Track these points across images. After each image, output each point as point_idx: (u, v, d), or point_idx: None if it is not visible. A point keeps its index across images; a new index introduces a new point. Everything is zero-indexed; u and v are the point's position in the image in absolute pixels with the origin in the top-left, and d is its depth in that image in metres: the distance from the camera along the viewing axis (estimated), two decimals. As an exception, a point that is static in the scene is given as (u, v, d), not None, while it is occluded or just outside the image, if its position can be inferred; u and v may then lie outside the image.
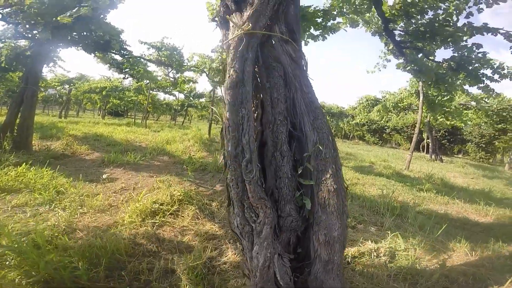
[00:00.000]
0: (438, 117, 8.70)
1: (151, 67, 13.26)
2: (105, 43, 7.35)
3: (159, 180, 4.33)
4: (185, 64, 11.54)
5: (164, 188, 3.91)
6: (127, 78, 11.67)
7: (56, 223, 2.74)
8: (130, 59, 10.55)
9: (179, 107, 24.84)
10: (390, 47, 5.04)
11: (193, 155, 6.46)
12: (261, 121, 1.87)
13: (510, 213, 5.03)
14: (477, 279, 2.71)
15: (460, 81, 5.22)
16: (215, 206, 3.68)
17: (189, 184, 4.44)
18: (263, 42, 1.95)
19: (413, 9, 3.88)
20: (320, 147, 1.69)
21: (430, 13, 3.89)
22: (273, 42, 2.01)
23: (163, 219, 3.12)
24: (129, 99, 22.71)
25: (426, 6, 3.75)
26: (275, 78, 1.91)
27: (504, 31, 3.50)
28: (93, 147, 6.70)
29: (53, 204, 3.22)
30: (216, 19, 2.23)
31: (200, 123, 39.76)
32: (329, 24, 5.01)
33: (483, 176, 10.45)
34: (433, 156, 15.08)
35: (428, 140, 17.06)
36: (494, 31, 3.54)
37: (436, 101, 8.36)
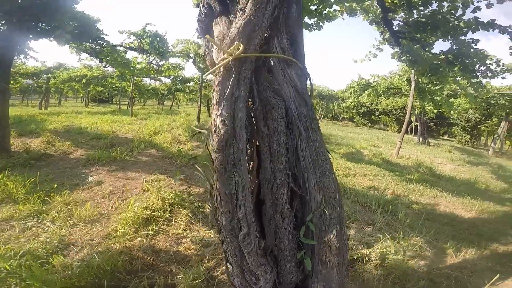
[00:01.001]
0: (426, 105, 8.71)
1: (134, 54, 12.68)
2: (79, 33, 6.90)
3: (148, 182, 4.21)
4: (170, 50, 11.05)
5: (154, 190, 3.79)
6: (108, 66, 11.14)
7: (48, 239, 2.63)
8: (106, 49, 9.95)
9: (166, 92, 24.17)
10: (386, 36, 4.88)
11: (182, 148, 6.27)
12: (257, 173, 1.60)
13: (493, 208, 5.18)
14: (459, 283, 2.78)
15: (453, 73, 5.16)
16: (209, 208, 3.61)
17: (180, 183, 4.32)
18: (258, 66, 1.56)
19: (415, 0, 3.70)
20: (326, 210, 1.48)
21: (435, 4, 3.72)
22: (272, 63, 1.61)
23: (157, 227, 3.03)
24: (113, 86, 21.89)
25: None
26: (275, 121, 1.53)
27: (511, 29, 3.38)
28: (76, 142, 6.41)
29: (41, 216, 3.07)
30: (197, 27, 1.84)
31: (189, 106, 39.02)
32: (325, 12, 4.74)
33: (468, 163, 10.70)
34: (420, 139, 15.32)
35: (416, 123, 17.26)
36: (502, 28, 3.42)
37: (426, 88, 8.33)
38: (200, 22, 1.79)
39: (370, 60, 6.48)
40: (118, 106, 18.77)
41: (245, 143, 1.42)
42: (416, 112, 13.87)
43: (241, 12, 1.49)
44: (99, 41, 9.94)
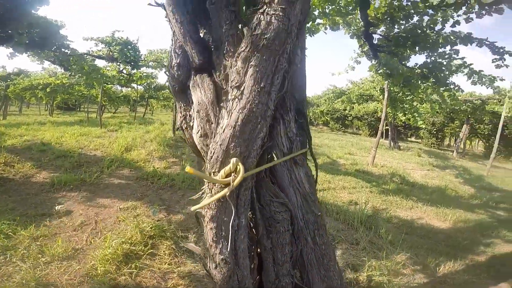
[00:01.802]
0: (399, 114, 9.09)
1: (103, 63, 12.08)
2: (40, 41, 6.40)
3: (123, 210, 3.92)
4: (142, 59, 10.63)
5: (131, 220, 3.52)
6: (74, 75, 10.46)
7: (23, 281, 2.35)
8: (71, 58, 9.31)
9: (138, 99, 23.29)
10: (365, 49, 4.98)
11: (157, 167, 5.96)
12: (259, 272, 1.44)
13: (464, 216, 5.43)
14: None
15: (425, 85, 5.40)
16: (193, 238, 3.41)
17: (159, 210, 4.06)
18: (259, 173, 1.30)
19: (399, 13, 3.78)
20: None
21: (416, 18, 3.81)
22: (275, 159, 1.32)
23: (139, 263, 2.80)
24: (80, 93, 20.64)
25: (413, 11, 3.65)
26: (280, 234, 1.33)
27: (489, 42, 3.54)
28: (39, 163, 5.88)
29: (8, 254, 2.73)
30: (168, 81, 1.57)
31: (163, 113, 37.94)
32: (308, 25, 4.73)
33: (437, 167, 11.28)
34: (391, 144, 16.00)
35: (387, 127, 18.00)
36: (479, 41, 3.57)
37: (397, 97, 8.68)
38: (171, 78, 1.47)
39: (348, 72, 6.63)
40: (86, 114, 17.65)
41: (249, 268, 1.24)
42: (388, 120, 14.47)
43: (235, 92, 1.16)
44: (63, 49, 9.33)
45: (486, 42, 3.67)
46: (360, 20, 3.52)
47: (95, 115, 22.19)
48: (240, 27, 1.33)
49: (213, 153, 1.17)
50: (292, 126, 1.37)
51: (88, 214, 3.85)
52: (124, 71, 12.45)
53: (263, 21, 1.17)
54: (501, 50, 3.70)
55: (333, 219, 4.41)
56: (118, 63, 10.64)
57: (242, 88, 1.16)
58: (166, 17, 1.45)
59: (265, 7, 1.19)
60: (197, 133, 1.35)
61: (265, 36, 1.15)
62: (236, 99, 1.16)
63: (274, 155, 1.32)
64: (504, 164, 17.11)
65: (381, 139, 20.48)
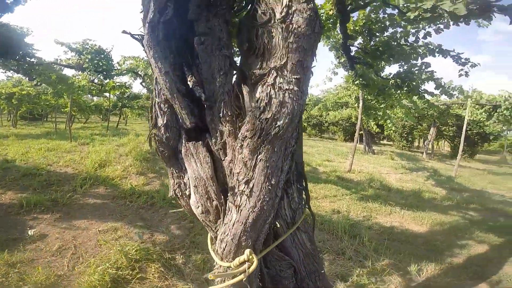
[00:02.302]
0: (371, 121, 9.46)
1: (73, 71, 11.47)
2: (1, 49, 5.99)
3: (103, 232, 3.69)
4: (116, 68, 10.22)
5: (113, 244, 3.33)
6: (40, 84, 9.83)
7: None
8: (38, 67, 8.72)
9: (111, 108, 22.31)
10: (342, 60, 5.13)
11: (135, 184, 5.70)
12: None
13: (439, 218, 5.70)
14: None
15: (398, 94, 5.68)
16: (181, 259, 3.27)
17: (141, 231, 3.86)
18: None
19: (376, 26, 3.92)
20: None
21: (390, 30, 3.97)
22: (277, 226, 1.26)
23: None
24: (47, 103, 19.37)
25: (388, 23, 3.79)
26: (284, 286, 1.29)
27: (455, 53, 3.77)
28: (3, 182, 5.42)
29: None
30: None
31: (138, 122, 36.62)
32: None
33: (409, 170, 11.82)
34: (366, 149, 16.60)
35: (361, 132, 18.67)
36: (446, 53, 3.78)
37: (371, 105, 9.03)
38: (159, 142, 1.27)
39: (325, 84, 6.81)
40: (54, 125, 16.55)
41: None
42: (363, 126, 15.03)
43: (243, 187, 1.07)
44: (28, 58, 8.79)
45: (452, 53, 3.93)
46: (339, 32, 3.63)
47: (63, 125, 20.86)
48: (237, 76, 1.19)
49: (225, 245, 1.12)
50: (295, 196, 1.31)
51: (65, 238, 3.59)
52: (96, 81, 11.90)
53: (274, 99, 1.01)
54: (464, 61, 4.01)
55: (318, 230, 4.45)
56: (88, 73, 10.16)
57: (251, 185, 1.07)
58: (146, 55, 1.23)
59: (275, 75, 1.04)
60: (197, 208, 1.26)
61: (278, 123, 1.01)
62: (245, 196, 1.08)
63: (278, 224, 1.27)
64: (469, 163, 18.29)
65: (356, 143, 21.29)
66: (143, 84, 10.45)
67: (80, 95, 14.63)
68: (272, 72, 1.07)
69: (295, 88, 1.04)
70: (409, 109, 11.62)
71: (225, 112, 1.17)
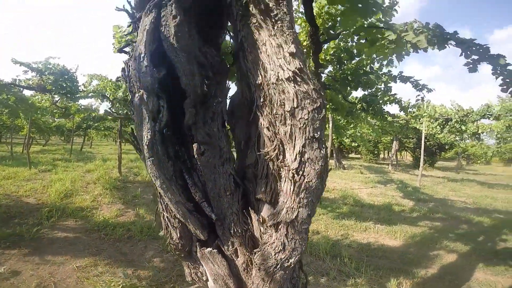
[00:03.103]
0: (344, 139, 9.93)
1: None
2: None
3: (81, 269, 3.41)
4: (81, 90, 9.66)
5: (96, 280, 3.09)
6: (-4, 107, 9.04)
7: None
8: None
9: (74, 128, 20.92)
10: None
11: (107, 216, 5.36)
12: None
13: (410, 231, 6.00)
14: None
15: (365, 116, 6.10)
16: None
17: (125, 269, 3.61)
18: None
19: (344, 55, 4.18)
20: None
21: (357, 58, 4.26)
22: None
23: None
24: (1, 123, 17.78)
25: (355, 51, 4.06)
26: None
27: (413, 80, 4.13)
28: (-48, 218, 4.85)
29: None
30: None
31: (103, 143, 34.86)
32: None
33: (378, 183, 12.42)
34: (337, 165, 17.24)
35: (332, 148, 19.41)
36: (406, 79, 4.14)
37: (341, 125, 9.51)
38: (175, 248, 1.31)
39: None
40: (10, 148, 15.12)
41: None
42: (334, 145, 15.67)
43: None
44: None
45: (411, 79, 4.33)
46: (312, 61, 3.84)
47: (20, 148, 19.21)
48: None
49: None
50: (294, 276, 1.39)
51: (41, 275, 3.29)
52: (59, 103, 11.21)
53: (288, 246, 1.13)
54: (421, 87, 4.46)
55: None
56: (51, 95, 9.50)
57: None
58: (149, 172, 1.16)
59: (286, 226, 1.14)
60: None
61: (290, 261, 1.17)
62: None
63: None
64: (430, 172, 19.65)
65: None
66: (112, 109, 9.94)
67: (41, 116, 13.65)
68: (284, 224, 1.16)
69: (305, 236, 1.19)
70: (373, 126, 12.38)
71: (235, 230, 1.24)
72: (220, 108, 1.22)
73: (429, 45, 2.45)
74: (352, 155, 31.50)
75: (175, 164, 1.18)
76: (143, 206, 5.96)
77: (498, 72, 1.92)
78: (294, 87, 1.06)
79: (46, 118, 19.29)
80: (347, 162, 21.79)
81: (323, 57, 4.19)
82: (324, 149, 1.12)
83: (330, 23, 3.20)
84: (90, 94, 10.53)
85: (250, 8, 1.14)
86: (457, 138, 16.04)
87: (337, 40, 4.18)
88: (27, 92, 10.53)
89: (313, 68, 4.43)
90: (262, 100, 1.16)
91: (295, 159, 1.08)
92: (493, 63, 1.91)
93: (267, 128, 1.15)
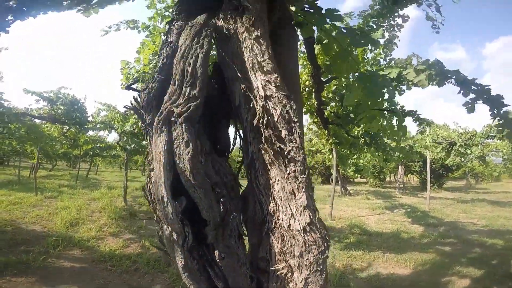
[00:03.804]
0: (347, 169, 9.93)
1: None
2: None
3: None
4: (90, 121, 9.91)
5: None
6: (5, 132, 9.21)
7: None
8: (6, 118, 8.22)
9: (81, 154, 21.09)
10: (315, 121, 5.53)
11: (113, 247, 5.32)
12: None
13: (420, 258, 5.83)
14: None
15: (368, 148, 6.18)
16: None
17: None
18: None
19: (347, 92, 4.34)
20: None
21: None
22: None
23: None
24: (10, 148, 18.02)
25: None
26: None
27: (415, 114, 4.24)
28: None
29: None
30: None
31: (109, 170, 34.96)
32: None
33: (385, 209, 12.20)
34: (343, 191, 17.06)
35: (336, 175, 19.33)
36: (408, 114, 4.25)
37: (345, 155, 9.54)
38: None
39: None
40: (18, 172, 15.25)
41: None
42: (340, 173, 15.66)
43: None
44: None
45: (413, 113, 4.44)
46: (315, 99, 4.00)
47: (27, 172, 19.37)
48: None
49: None
50: None
51: None
52: (68, 133, 11.42)
53: None
54: (421, 120, 4.59)
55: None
56: (62, 126, 9.74)
57: None
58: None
59: None
60: None
61: None
62: None
63: None
64: (439, 193, 19.22)
65: (330, 184, 21.84)
66: (120, 143, 10.08)
67: (50, 147, 13.85)
68: None
69: None
70: (377, 156, 12.42)
71: None
72: (236, 223, 1.32)
73: (430, 83, 2.56)
74: (358, 179, 31.08)
75: (199, 261, 1.28)
76: (149, 238, 5.92)
77: (495, 113, 1.99)
78: (304, 236, 1.17)
79: (55, 146, 19.58)
80: (353, 188, 21.50)
81: (325, 95, 4.35)
82: (324, 273, 1.22)
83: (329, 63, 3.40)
84: (98, 126, 10.76)
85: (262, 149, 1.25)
86: (463, 159, 15.95)
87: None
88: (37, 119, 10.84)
89: (316, 105, 4.59)
90: (273, 224, 1.27)
91: (301, 281, 1.20)
92: (491, 105, 1.98)
93: (278, 251, 1.26)
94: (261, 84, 1.21)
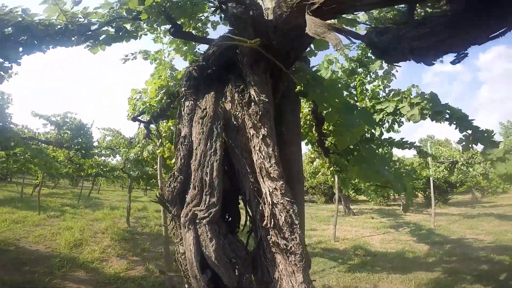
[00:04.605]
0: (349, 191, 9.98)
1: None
2: None
3: None
4: (96, 146, 9.99)
5: None
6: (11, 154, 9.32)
7: None
8: (13, 142, 8.31)
9: (84, 174, 21.16)
10: (317, 150, 5.69)
11: (118, 269, 5.33)
12: None
13: (425, 278, 5.75)
14: None
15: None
16: None
17: None
18: None
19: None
20: None
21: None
22: None
23: None
24: (15, 166, 18.09)
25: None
26: None
27: (417, 145, 4.33)
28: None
29: None
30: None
31: (111, 188, 34.88)
32: None
33: (390, 228, 12.06)
34: (346, 211, 16.96)
35: (339, 194, 19.28)
36: (410, 145, 4.32)
37: (346, 179, 9.63)
38: None
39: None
40: (21, 189, 15.11)
41: None
42: (342, 192, 15.70)
43: None
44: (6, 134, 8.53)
45: (415, 145, 4.55)
46: (315, 132, 4.13)
47: (30, 190, 19.28)
48: None
49: None
50: None
51: None
52: (73, 157, 11.47)
53: None
54: (425, 152, 4.68)
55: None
56: (69, 151, 9.81)
57: None
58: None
59: None
60: None
61: None
62: None
63: None
64: (445, 209, 18.82)
65: (333, 204, 21.66)
66: (124, 169, 10.19)
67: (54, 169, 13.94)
68: None
69: None
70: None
71: None
72: (248, 281, 1.51)
73: (422, 118, 2.68)
74: (362, 197, 30.71)
75: None
76: (153, 260, 5.92)
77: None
78: None
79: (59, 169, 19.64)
80: (357, 206, 21.27)
81: (325, 127, 4.49)
82: None
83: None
84: (103, 151, 10.85)
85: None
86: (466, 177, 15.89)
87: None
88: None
89: (316, 137, 4.73)
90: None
91: None
92: (486, 145, 2.08)
93: None
94: (269, 190, 1.38)
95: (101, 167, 13.01)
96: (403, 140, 4.03)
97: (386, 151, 4.26)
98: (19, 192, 15.18)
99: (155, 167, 8.78)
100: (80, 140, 9.06)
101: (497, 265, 6.51)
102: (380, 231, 11.37)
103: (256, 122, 1.47)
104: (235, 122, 1.58)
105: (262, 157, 1.43)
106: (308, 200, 30.80)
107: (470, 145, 2.17)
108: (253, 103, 1.52)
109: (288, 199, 1.37)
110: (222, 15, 1.90)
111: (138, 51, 3.63)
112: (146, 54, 3.73)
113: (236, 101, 1.60)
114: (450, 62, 1.20)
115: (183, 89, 1.76)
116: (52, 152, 11.73)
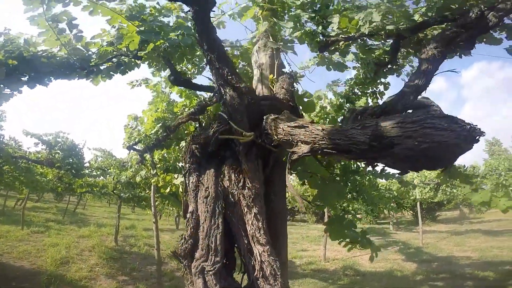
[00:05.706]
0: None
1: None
2: None
3: None
4: (86, 166, 9.85)
5: None
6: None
7: None
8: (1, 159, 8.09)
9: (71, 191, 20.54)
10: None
11: (104, 288, 5.24)
12: None
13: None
14: None
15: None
16: None
17: None
18: None
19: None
20: None
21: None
22: None
23: None
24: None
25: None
26: None
27: (399, 176, 4.56)
28: None
29: None
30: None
31: (97, 204, 33.79)
32: None
33: (380, 246, 12.09)
34: (336, 228, 16.98)
35: (329, 214, 19.30)
36: (392, 176, 4.55)
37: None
38: None
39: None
40: (4, 201, 14.48)
41: None
42: (332, 213, 15.86)
43: None
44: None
45: (397, 176, 4.79)
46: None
47: (12, 203, 18.39)
48: None
49: None
50: None
51: None
52: (63, 177, 11.25)
53: None
54: (406, 181, 4.92)
55: None
56: (59, 171, 9.57)
57: None
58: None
59: None
60: None
61: None
62: None
63: None
64: (433, 227, 19.02)
65: (322, 224, 21.66)
66: (115, 191, 10.14)
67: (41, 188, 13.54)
68: None
69: None
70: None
71: None
72: None
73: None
74: (350, 217, 30.68)
75: None
76: (143, 280, 5.83)
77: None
78: None
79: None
80: (346, 224, 21.28)
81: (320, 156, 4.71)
82: None
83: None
84: (94, 172, 10.71)
85: None
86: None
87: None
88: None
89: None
90: None
91: None
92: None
93: None
94: (259, 252, 1.79)
95: (91, 187, 12.80)
96: (386, 172, 4.27)
97: (369, 180, 4.54)
98: (1, 205, 14.62)
99: (147, 191, 8.82)
100: (71, 160, 8.90)
101: (482, 281, 6.68)
102: (369, 250, 11.44)
103: (249, 203, 1.87)
104: (232, 199, 1.97)
105: (254, 229, 1.83)
106: (299, 219, 30.56)
107: (447, 179, 2.41)
108: (247, 188, 1.90)
109: (273, 258, 1.75)
110: (220, 100, 2.19)
111: (141, 78, 3.81)
112: (146, 82, 3.92)
113: (232, 181, 1.98)
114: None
115: (187, 165, 2.14)
116: (41, 168, 11.46)
